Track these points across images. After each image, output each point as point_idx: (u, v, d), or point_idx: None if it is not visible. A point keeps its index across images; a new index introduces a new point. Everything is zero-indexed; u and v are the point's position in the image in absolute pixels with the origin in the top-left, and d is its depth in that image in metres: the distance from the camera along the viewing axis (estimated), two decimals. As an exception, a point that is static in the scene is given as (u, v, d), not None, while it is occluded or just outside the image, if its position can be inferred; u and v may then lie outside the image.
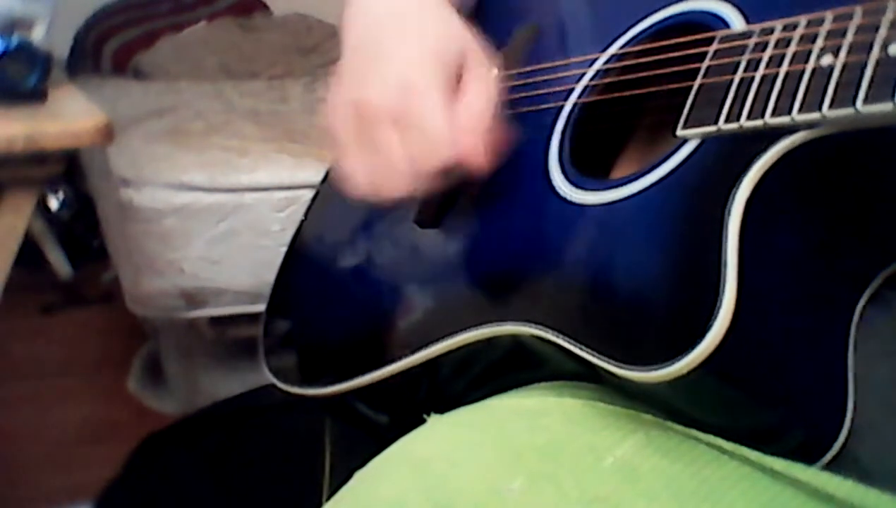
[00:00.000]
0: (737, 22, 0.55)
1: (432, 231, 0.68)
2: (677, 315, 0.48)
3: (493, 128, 0.61)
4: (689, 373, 0.46)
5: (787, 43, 0.49)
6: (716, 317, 0.45)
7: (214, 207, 1.56)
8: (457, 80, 0.61)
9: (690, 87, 0.54)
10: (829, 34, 0.47)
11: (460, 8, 0.73)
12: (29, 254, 1.55)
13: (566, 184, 0.59)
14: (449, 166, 0.59)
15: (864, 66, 0.44)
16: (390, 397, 0.69)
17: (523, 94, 0.67)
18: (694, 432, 0.51)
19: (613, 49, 0.63)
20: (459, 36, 0.64)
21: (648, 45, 0.61)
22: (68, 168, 1.69)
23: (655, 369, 0.47)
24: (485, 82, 0.62)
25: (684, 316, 0.48)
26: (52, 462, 1.65)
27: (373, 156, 0.61)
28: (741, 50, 0.52)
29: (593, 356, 0.51)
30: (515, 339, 0.57)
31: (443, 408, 0.57)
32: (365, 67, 0.63)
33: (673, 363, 0.46)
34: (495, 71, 0.64)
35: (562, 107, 0.64)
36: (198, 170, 1.57)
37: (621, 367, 0.49)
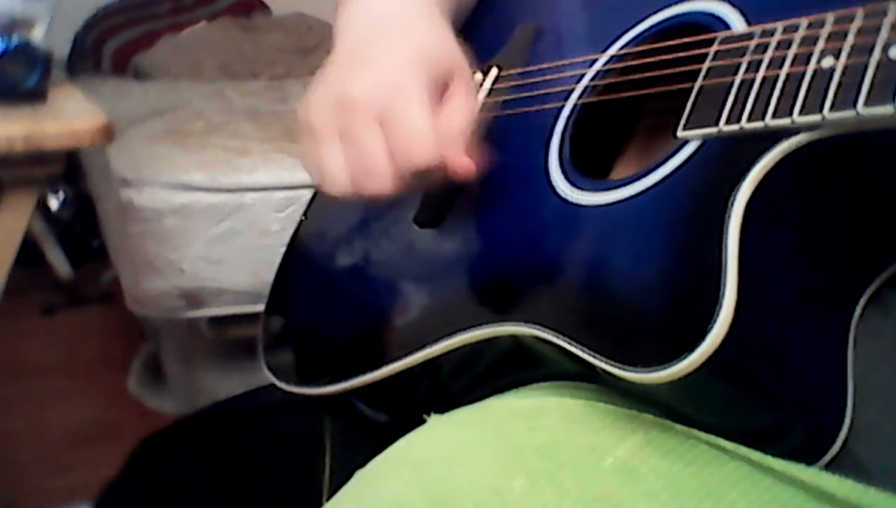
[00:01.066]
0: (737, 23, 0.55)
1: (432, 230, 0.68)
2: (677, 317, 0.48)
3: (473, 141, 0.61)
4: (688, 375, 0.46)
5: (788, 45, 0.49)
6: (716, 320, 0.45)
7: (214, 207, 1.56)
8: (442, 92, 0.62)
9: (691, 89, 0.54)
10: (830, 36, 0.47)
11: (459, 11, 0.73)
12: (29, 253, 1.55)
13: (566, 184, 0.59)
14: (428, 167, 0.59)
15: (865, 68, 0.44)
16: (390, 396, 0.69)
17: (523, 94, 0.67)
18: (694, 432, 0.51)
19: (614, 49, 0.63)
20: (450, 50, 0.64)
21: (649, 46, 0.61)
22: (68, 168, 1.69)
23: (655, 371, 0.47)
24: (469, 97, 0.63)
25: (684, 318, 0.48)
26: (52, 462, 1.65)
27: (352, 151, 0.61)
28: (742, 51, 0.52)
29: (593, 357, 0.51)
30: (515, 340, 0.58)
31: (443, 408, 0.57)
32: (353, 66, 0.63)
33: (672, 365, 0.46)
34: (478, 95, 0.65)
35: (562, 108, 0.64)
36: (198, 170, 1.57)
37: (621, 369, 0.49)
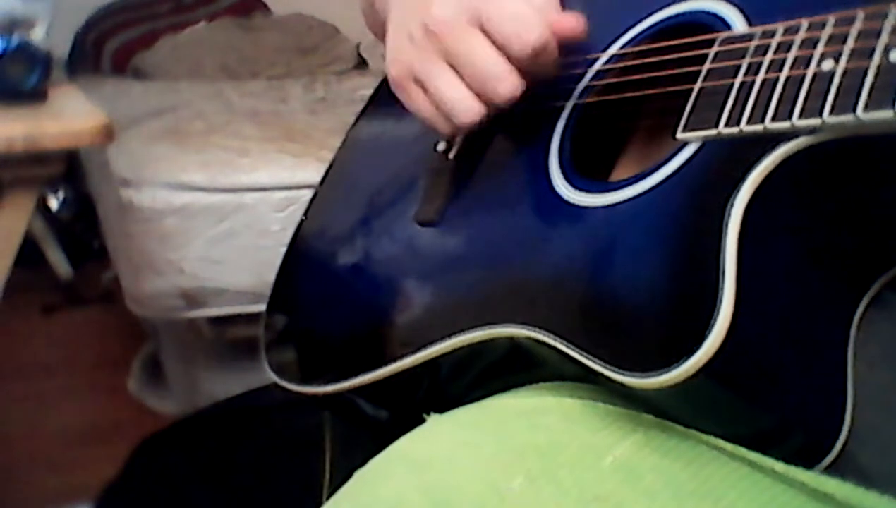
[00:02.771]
0: (738, 23, 0.54)
1: (432, 230, 0.68)
2: (675, 321, 0.48)
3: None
4: (686, 380, 0.46)
5: (789, 47, 0.49)
6: (714, 324, 0.45)
7: (214, 207, 1.57)
8: None
9: (691, 90, 0.54)
10: (831, 39, 0.47)
11: None
12: (29, 253, 1.56)
13: (566, 185, 0.59)
14: (542, 43, 0.58)
15: (865, 72, 0.44)
16: (390, 394, 0.69)
17: (524, 94, 0.67)
18: (694, 432, 0.51)
19: (615, 48, 0.63)
20: None
21: (650, 46, 0.61)
22: (68, 168, 1.69)
23: (653, 376, 0.47)
24: None
25: (682, 323, 0.47)
26: (52, 462, 1.65)
27: (468, 68, 0.59)
28: (742, 53, 0.51)
29: (591, 361, 0.51)
30: (514, 341, 0.58)
31: (443, 408, 0.57)
32: (417, 2, 0.62)
33: (670, 370, 0.46)
34: None
35: (562, 108, 0.64)
36: (198, 170, 1.57)
37: (619, 373, 0.49)
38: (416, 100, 0.63)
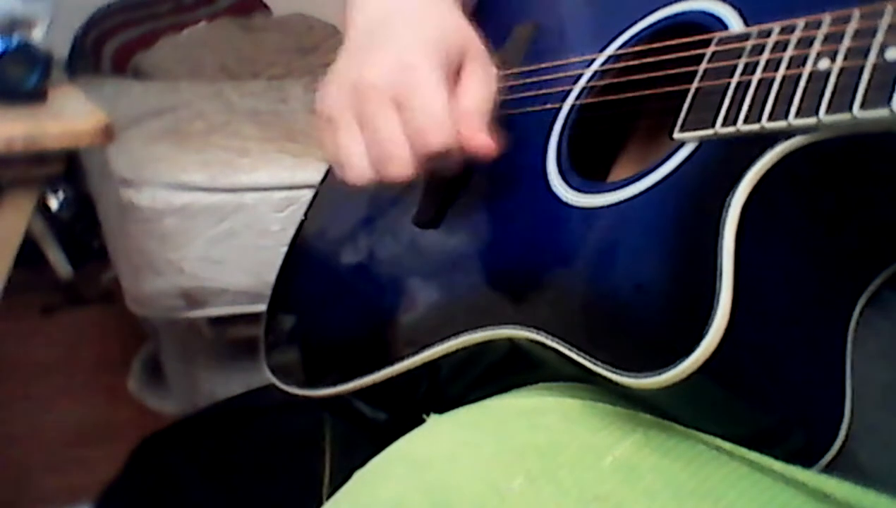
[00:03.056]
0: (735, 23, 0.55)
1: (431, 232, 0.68)
2: (673, 321, 0.48)
3: (491, 120, 0.62)
4: (684, 380, 0.46)
5: (785, 46, 0.49)
6: (711, 324, 0.45)
7: (214, 207, 1.56)
8: (457, 71, 0.62)
9: (688, 90, 0.54)
10: (827, 38, 0.47)
11: (464, 6, 0.73)
12: (29, 253, 1.55)
13: (564, 186, 0.59)
14: (448, 148, 0.60)
15: (861, 71, 0.44)
16: (390, 396, 0.70)
17: (521, 95, 0.67)
18: (694, 432, 0.51)
19: (611, 49, 0.63)
20: (461, 28, 0.65)
21: (646, 46, 0.61)
22: (68, 168, 1.69)
23: (651, 376, 0.47)
24: (486, 73, 0.63)
25: (680, 323, 0.48)
26: (52, 462, 1.65)
27: (370, 136, 0.61)
28: (738, 52, 0.52)
29: (589, 361, 0.51)
30: (514, 343, 0.58)
31: (442, 408, 0.57)
32: (365, 52, 0.63)
33: (668, 370, 0.46)
34: (495, 68, 0.65)
35: (560, 109, 0.64)
36: (198, 170, 1.57)
37: (617, 374, 0.49)
38: (323, 137, 0.65)
